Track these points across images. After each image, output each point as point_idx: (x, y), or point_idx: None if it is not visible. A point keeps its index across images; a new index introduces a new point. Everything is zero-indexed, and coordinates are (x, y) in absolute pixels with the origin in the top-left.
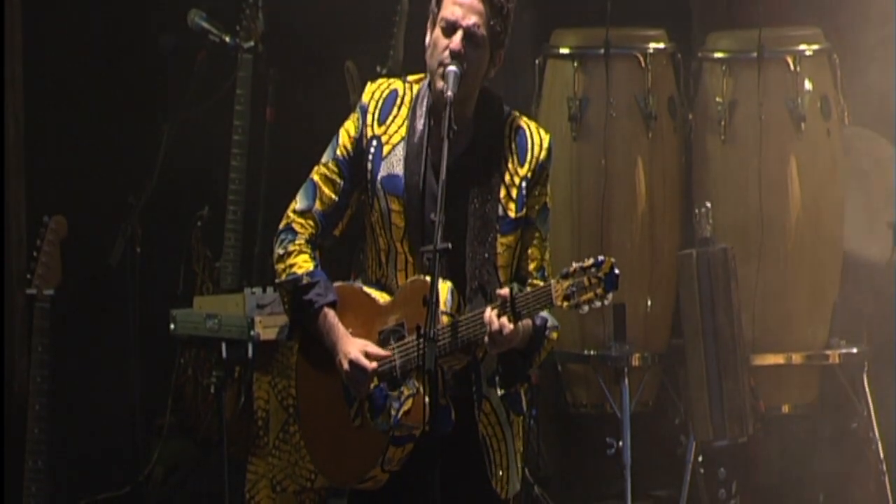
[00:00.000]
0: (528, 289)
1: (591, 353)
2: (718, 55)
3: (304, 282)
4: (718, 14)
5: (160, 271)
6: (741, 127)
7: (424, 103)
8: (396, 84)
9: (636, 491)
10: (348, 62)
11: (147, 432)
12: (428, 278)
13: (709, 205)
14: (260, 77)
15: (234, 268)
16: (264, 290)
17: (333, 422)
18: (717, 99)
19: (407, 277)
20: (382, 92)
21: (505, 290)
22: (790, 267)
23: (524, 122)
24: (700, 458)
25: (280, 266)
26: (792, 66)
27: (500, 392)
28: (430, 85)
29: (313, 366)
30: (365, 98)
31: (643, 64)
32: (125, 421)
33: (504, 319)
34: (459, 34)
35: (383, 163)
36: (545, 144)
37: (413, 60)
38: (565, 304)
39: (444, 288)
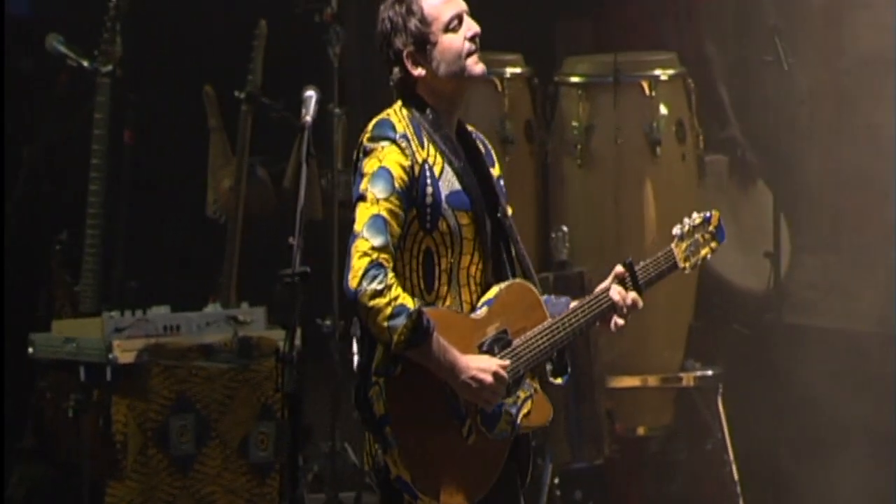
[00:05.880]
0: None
1: None
2: (575, 80)
3: (420, 309)
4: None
5: (19, 295)
6: (598, 151)
7: (430, 122)
8: (394, 114)
9: None
10: (206, 86)
11: (7, 455)
12: (527, 283)
13: (565, 228)
14: (119, 101)
15: (93, 291)
16: (122, 314)
17: (447, 445)
18: (574, 123)
19: (471, 291)
20: (401, 119)
21: (620, 268)
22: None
23: None
24: (556, 480)
25: (381, 301)
26: (647, 91)
27: (559, 381)
28: (457, 82)
29: (412, 397)
30: (398, 129)
31: (500, 88)
32: None
33: (633, 294)
34: (467, 18)
35: (440, 182)
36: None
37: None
38: (687, 265)
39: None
